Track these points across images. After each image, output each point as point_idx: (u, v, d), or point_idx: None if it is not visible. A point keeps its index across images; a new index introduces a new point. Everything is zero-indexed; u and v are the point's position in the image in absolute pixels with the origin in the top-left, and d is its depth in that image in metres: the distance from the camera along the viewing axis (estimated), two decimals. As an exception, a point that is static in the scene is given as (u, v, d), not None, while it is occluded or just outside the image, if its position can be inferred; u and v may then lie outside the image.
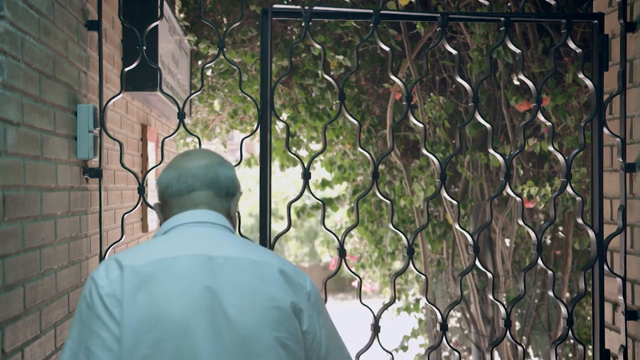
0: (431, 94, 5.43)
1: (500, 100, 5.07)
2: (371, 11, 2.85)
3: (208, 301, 1.70)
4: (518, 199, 2.92)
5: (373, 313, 2.91)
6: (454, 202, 2.91)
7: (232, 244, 1.82)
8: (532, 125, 5.19)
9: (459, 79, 2.89)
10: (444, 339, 2.90)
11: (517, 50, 2.90)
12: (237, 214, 2.01)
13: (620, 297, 2.83)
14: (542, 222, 5.65)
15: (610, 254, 3.00)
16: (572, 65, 4.61)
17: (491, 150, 2.92)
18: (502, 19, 2.89)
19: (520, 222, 2.93)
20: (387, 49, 2.89)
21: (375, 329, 2.89)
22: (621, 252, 2.86)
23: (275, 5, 2.84)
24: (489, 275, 2.93)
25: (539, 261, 2.87)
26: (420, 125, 2.93)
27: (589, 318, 5.58)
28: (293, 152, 2.88)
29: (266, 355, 1.71)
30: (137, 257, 1.74)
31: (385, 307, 2.89)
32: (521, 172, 5.38)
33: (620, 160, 2.86)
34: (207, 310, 1.70)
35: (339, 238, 2.86)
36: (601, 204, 2.90)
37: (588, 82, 2.91)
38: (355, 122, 2.90)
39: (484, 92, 5.26)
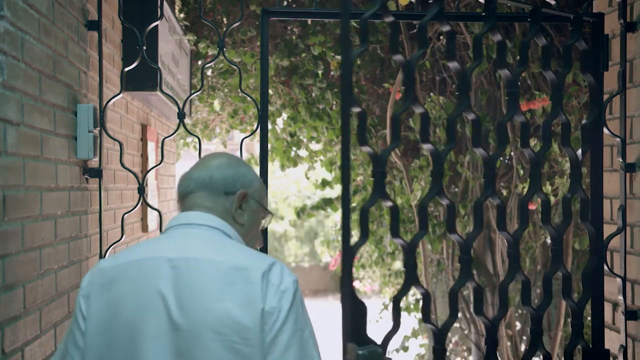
0: (431, 93, 5.43)
1: (500, 100, 5.07)
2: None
3: (157, 304, 1.70)
4: (544, 198, 2.78)
5: (439, 331, 2.37)
6: (497, 203, 2.61)
7: (204, 245, 1.77)
8: (532, 125, 5.18)
9: (504, 71, 2.61)
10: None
11: (544, 42, 2.77)
12: (261, 207, 1.96)
13: (620, 297, 2.83)
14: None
15: (610, 254, 3.00)
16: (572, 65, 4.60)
17: (527, 150, 2.69)
18: (531, 7, 2.74)
19: (542, 225, 2.79)
20: (446, 28, 2.40)
21: (442, 352, 2.39)
22: (621, 252, 2.87)
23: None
24: (523, 279, 2.84)
25: (550, 261, 2.84)
26: (473, 116, 2.63)
27: (589, 318, 5.58)
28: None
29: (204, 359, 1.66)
30: (113, 260, 1.80)
31: (448, 325, 2.43)
32: (521, 172, 5.38)
33: (620, 160, 2.86)
34: (156, 312, 1.70)
35: (410, 243, 2.24)
36: (601, 204, 2.90)
37: (588, 82, 2.91)
38: (423, 110, 2.65)
39: (484, 92, 5.26)
